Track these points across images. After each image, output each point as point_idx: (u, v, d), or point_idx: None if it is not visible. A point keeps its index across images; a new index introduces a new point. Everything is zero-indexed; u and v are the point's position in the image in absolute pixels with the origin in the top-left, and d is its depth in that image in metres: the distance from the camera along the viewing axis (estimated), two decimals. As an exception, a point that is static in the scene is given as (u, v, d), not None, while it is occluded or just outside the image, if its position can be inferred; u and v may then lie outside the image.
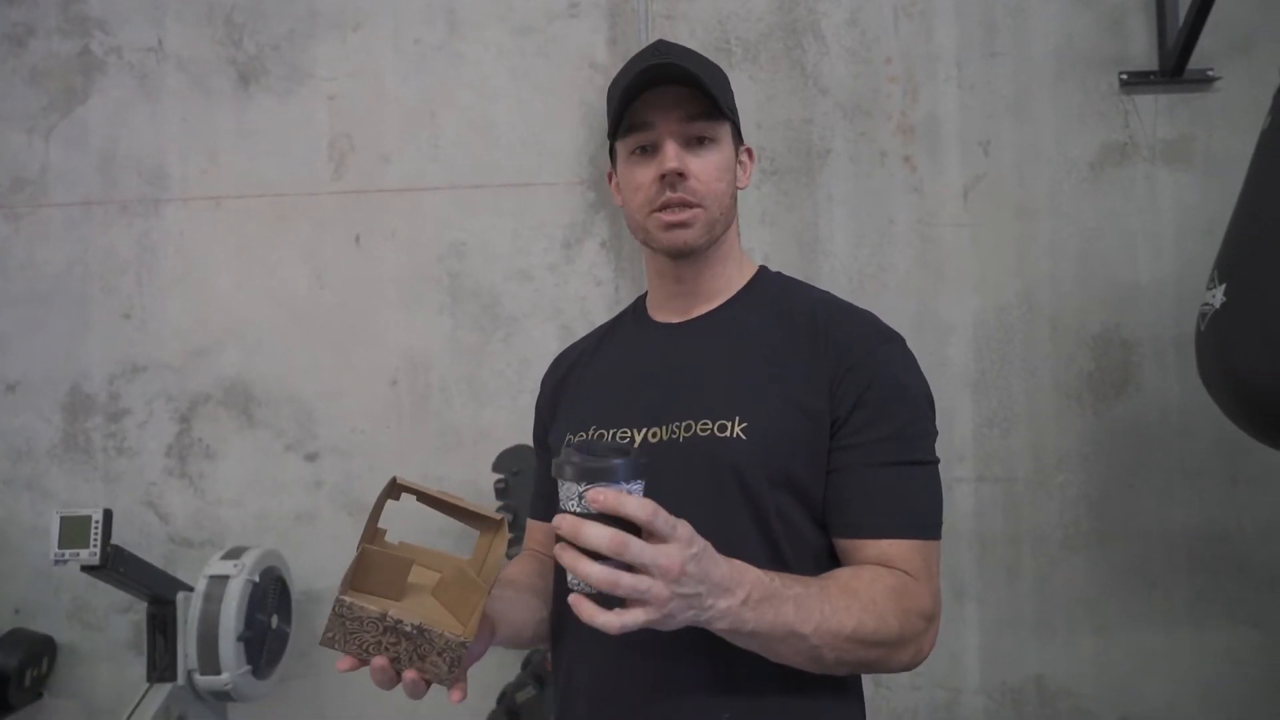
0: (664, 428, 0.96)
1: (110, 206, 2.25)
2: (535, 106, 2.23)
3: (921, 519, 0.91)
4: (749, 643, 0.80)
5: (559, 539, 0.73)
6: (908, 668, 0.90)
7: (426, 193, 2.24)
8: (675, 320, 1.06)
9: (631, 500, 0.70)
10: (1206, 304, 1.58)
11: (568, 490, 0.73)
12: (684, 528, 0.73)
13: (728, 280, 1.06)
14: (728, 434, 0.91)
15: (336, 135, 2.25)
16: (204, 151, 2.25)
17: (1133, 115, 2.16)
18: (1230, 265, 1.55)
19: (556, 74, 2.23)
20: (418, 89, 2.25)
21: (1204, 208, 2.11)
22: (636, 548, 0.70)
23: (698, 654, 0.88)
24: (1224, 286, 1.53)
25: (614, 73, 2.18)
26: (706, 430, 0.93)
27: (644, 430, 0.96)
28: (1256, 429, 1.56)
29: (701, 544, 0.74)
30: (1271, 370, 1.44)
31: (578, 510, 0.72)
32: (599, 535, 0.70)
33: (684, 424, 0.94)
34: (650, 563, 0.70)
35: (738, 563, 0.78)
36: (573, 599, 0.72)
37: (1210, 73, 2.12)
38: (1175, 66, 2.09)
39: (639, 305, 1.14)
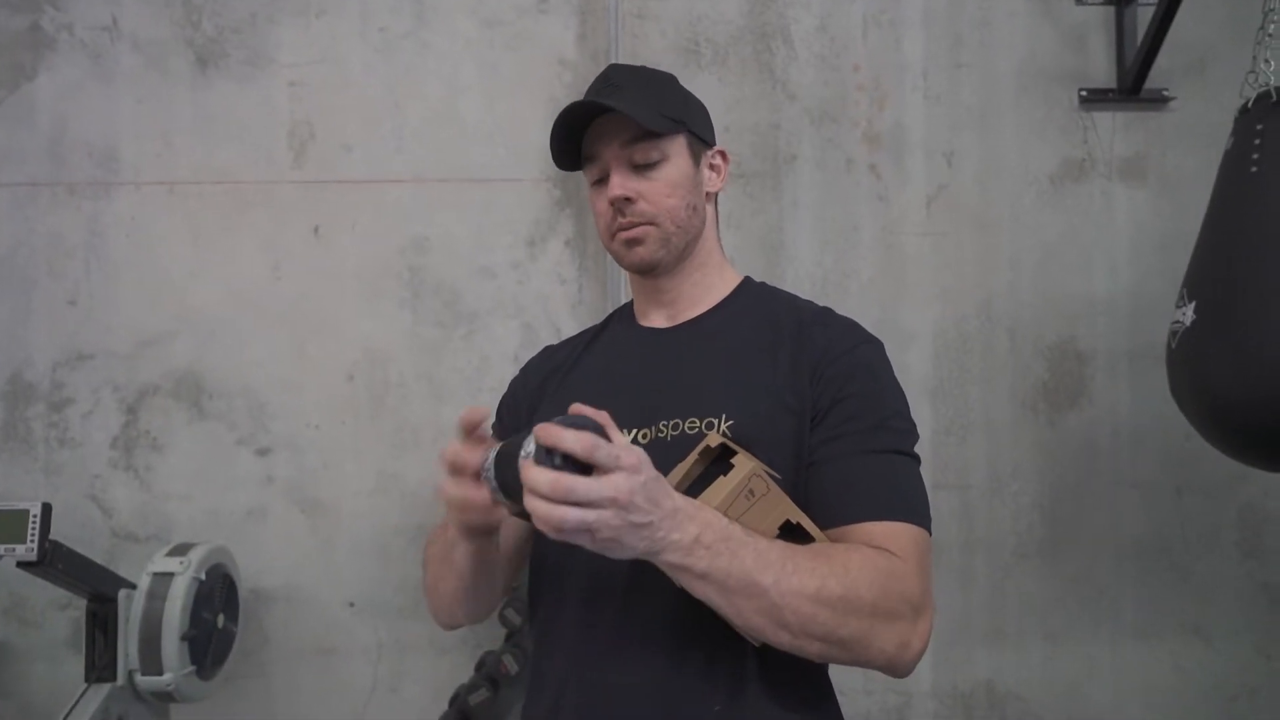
0: (652, 427, 0.97)
1: (58, 188, 2.17)
2: (503, 101, 2.21)
3: (909, 504, 0.90)
4: (704, 590, 0.78)
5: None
6: (893, 662, 0.85)
7: (389, 185, 2.20)
8: (662, 325, 1.09)
9: (569, 434, 0.71)
10: (1177, 322, 1.61)
11: (526, 445, 0.75)
12: (630, 455, 0.72)
13: (710, 288, 1.09)
14: (715, 430, 0.93)
15: (297, 123, 2.20)
16: (158, 135, 2.19)
17: (1091, 131, 2.20)
18: (1199, 284, 1.58)
19: (525, 69, 2.21)
20: (382, 78, 2.21)
21: (1158, 224, 2.16)
22: (582, 488, 0.70)
23: (682, 648, 0.90)
24: (1194, 305, 1.56)
25: (583, 70, 2.18)
26: (694, 429, 0.94)
27: (634, 430, 0.98)
28: (1229, 445, 1.59)
29: (652, 473, 0.74)
30: (1243, 387, 1.47)
31: (530, 457, 0.74)
32: (540, 479, 0.70)
33: (671, 423, 0.96)
34: (598, 498, 0.70)
35: (694, 500, 0.78)
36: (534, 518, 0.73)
37: (1166, 92, 2.17)
38: (1133, 85, 2.13)
39: (626, 311, 1.15)
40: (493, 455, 0.81)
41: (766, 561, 0.78)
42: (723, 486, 0.82)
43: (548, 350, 1.18)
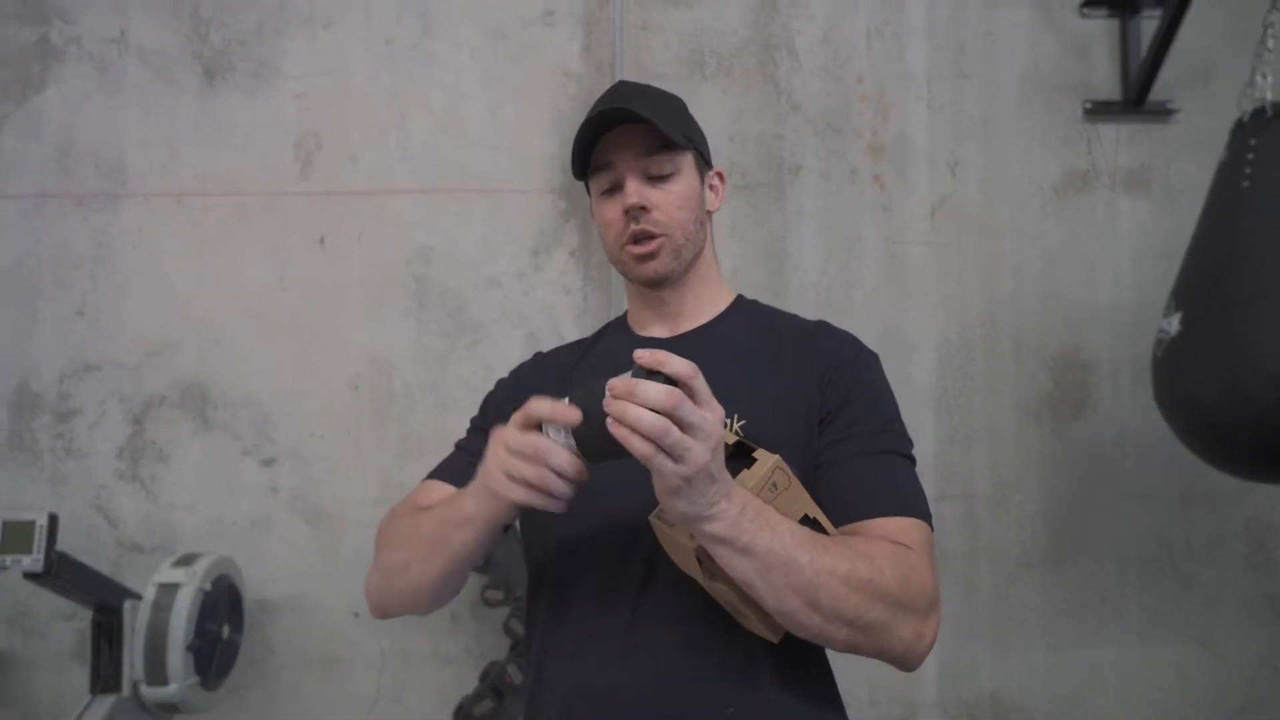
0: None
1: (65, 200, 2.19)
2: (507, 112, 2.21)
3: (917, 503, 0.94)
4: (744, 567, 0.79)
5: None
6: (910, 650, 0.86)
7: (394, 195, 2.21)
8: (663, 335, 1.10)
9: (676, 357, 0.73)
10: (1163, 331, 1.62)
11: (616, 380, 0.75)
12: (719, 406, 0.75)
13: (710, 301, 1.11)
14: (727, 429, 0.93)
15: (303, 134, 2.21)
16: (165, 146, 2.20)
17: (1095, 143, 2.21)
18: (1186, 294, 1.59)
19: (530, 80, 2.22)
20: (388, 89, 2.22)
21: (1161, 235, 2.16)
22: (689, 406, 0.71)
23: (693, 651, 0.90)
24: (1180, 315, 1.57)
25: (588, 81, 2.18)
26: None
27: None
28: (1208, 453, 1.60)
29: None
30: (1223, 397, 1.48)
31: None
32: (655, 390, 0.71)
33: None
34: (699, 424, 0.72)
35: (734, 481, 0.80)
36: (612, 422, 0.72)
37: (1170, 104, 2.18)
38: (1137, 97, 2.14)
39: (620, 323, 1.16)
40: (567, 400, 0.80)
41: (801, 541, 0.80)
42: (749, 478, 0.83)
43: (539, 357, 1.19)
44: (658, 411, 0.71)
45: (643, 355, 0.73)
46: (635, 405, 0.71)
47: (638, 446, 0.71)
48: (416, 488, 1.09)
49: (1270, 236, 1.49)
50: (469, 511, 0.88)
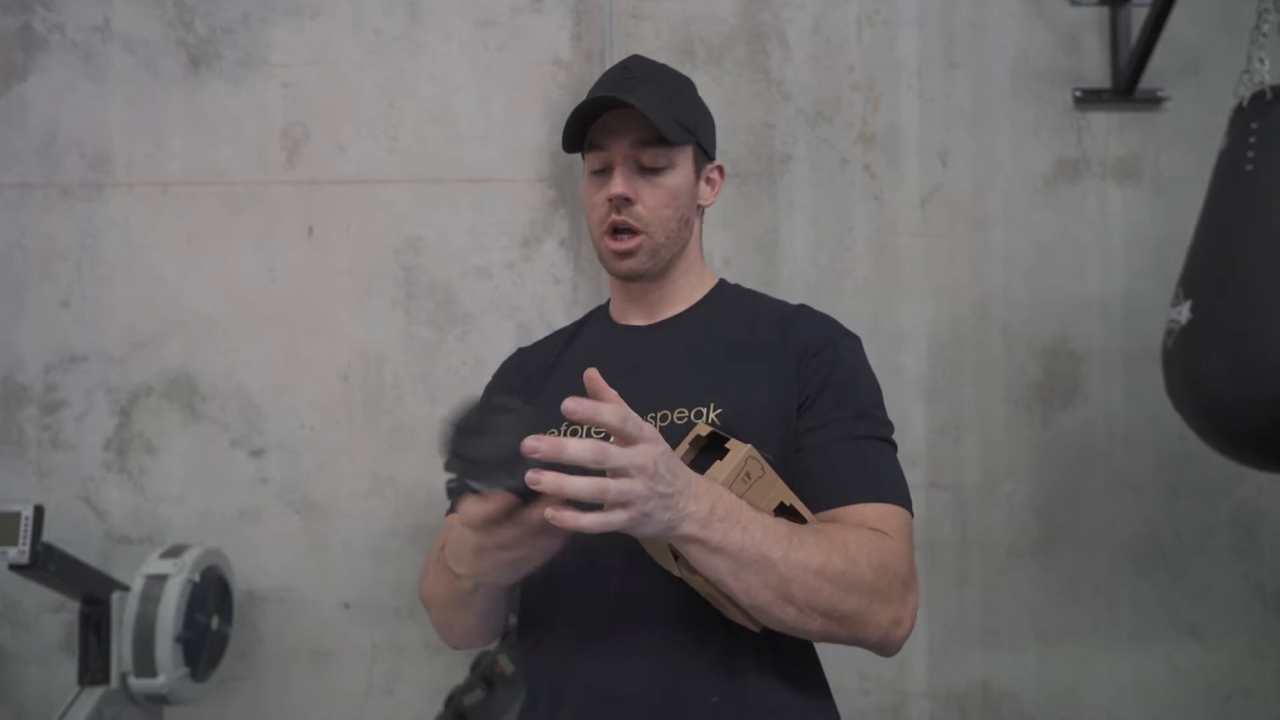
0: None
1: (50, 190, 2.17)
2: (497, 101, 2.20)
3: (896, 488, 0.93)
4: (716, 564, 0.78)
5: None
6: (888, 638, 0.87)
7: (383, 185, 2.19)
8: (642, 323, 1.09)
9: (605, 407, 0.72)
10: (1173, 320, 1.61)
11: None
12: (650, 428, 0.74)
13: (691, 289, 1.10)
14: (703, 420, 0.93)
15: (290, 123, 2.19)
16: (151, 136, 2.18)
17: (1085, 132, 2.21)
18: (1194, 282, 1.59)
19: (519, 69, 2.20)
20: (376, 79, 2.20)
21: (1152, 225, 2.16)
22: (616, 453, 0.71)
23: (677, 643, 0.90)
24: (1189, 303, 1.56)
25: (577, 69, 2.16)
26: (684, 418, 0.95)
27: None
28: (1223, 443, 1.59)
29: (666, 445, 0.75)
30: (1238, 386, 1.47)
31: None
32: (581, 447, 0.71)
33: (660, 414, 0.96)
34: (629, 464, 0.71)
35: (701, 476, 0.79)
36: (550, 512, 0.72)
37: (1160, 93, 2.18)
38: (1127, 85, 2.14)
39: (601, 312, 1.15)
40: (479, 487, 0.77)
41: (775, 536, 0.80)
42: (721, 469, 0.83)
43: (521, 353, 1.18)
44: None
45: (574, 407, 0.72)
46: (570, 476, 0.70)
47: (575, 520, 0.71)
48: (444, 527, 1.09)
49: (1276, 219, 1.49)
50: (470, 581, 0.89)
